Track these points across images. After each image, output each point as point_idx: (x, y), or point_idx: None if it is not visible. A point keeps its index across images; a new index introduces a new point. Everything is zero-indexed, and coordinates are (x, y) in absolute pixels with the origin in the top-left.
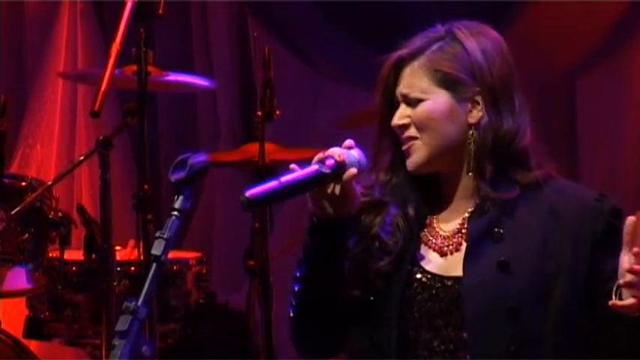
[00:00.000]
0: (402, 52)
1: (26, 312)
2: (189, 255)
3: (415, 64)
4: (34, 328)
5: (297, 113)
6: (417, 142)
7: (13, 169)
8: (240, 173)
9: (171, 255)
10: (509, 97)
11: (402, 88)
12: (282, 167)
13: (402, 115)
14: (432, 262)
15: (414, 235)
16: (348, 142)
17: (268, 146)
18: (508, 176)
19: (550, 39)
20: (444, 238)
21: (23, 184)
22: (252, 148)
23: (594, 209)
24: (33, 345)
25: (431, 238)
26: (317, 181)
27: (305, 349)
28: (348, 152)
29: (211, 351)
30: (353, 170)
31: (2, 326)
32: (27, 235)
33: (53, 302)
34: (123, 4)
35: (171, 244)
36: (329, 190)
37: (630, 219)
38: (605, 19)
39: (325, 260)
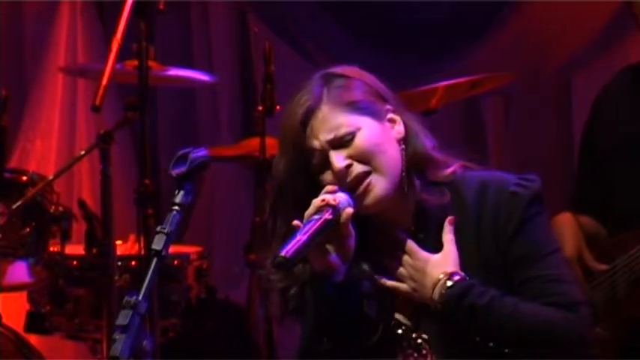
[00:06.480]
0: (304, 106)
1: (27, 306)
2: (190, 249)
3: (323, 108)
4: (35, 322)
5: None
6: (373, 176)
7: (13, 163)
8: (241, 168)
9: (172, 249)
10: (405, 106)
11: (325, 135)
12: None
13: (339, 158)
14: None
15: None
16: (331, 187)
17: (269, 141)
18: (430, 180)
19: (545, 37)
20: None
21: (24, 178)
22: (253, 142)
23: (509, 205)
24: (34, 339)
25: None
26: (325, 228)
27: None
28: (337, 195)
29: (212, 345)
30: (349, 210)
31: (3, 320)
32: (28, 229)
33: (54, 296)
34: None
35: (171, 239)
36: (332, 235)
37: None
38: (601, 17)
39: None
